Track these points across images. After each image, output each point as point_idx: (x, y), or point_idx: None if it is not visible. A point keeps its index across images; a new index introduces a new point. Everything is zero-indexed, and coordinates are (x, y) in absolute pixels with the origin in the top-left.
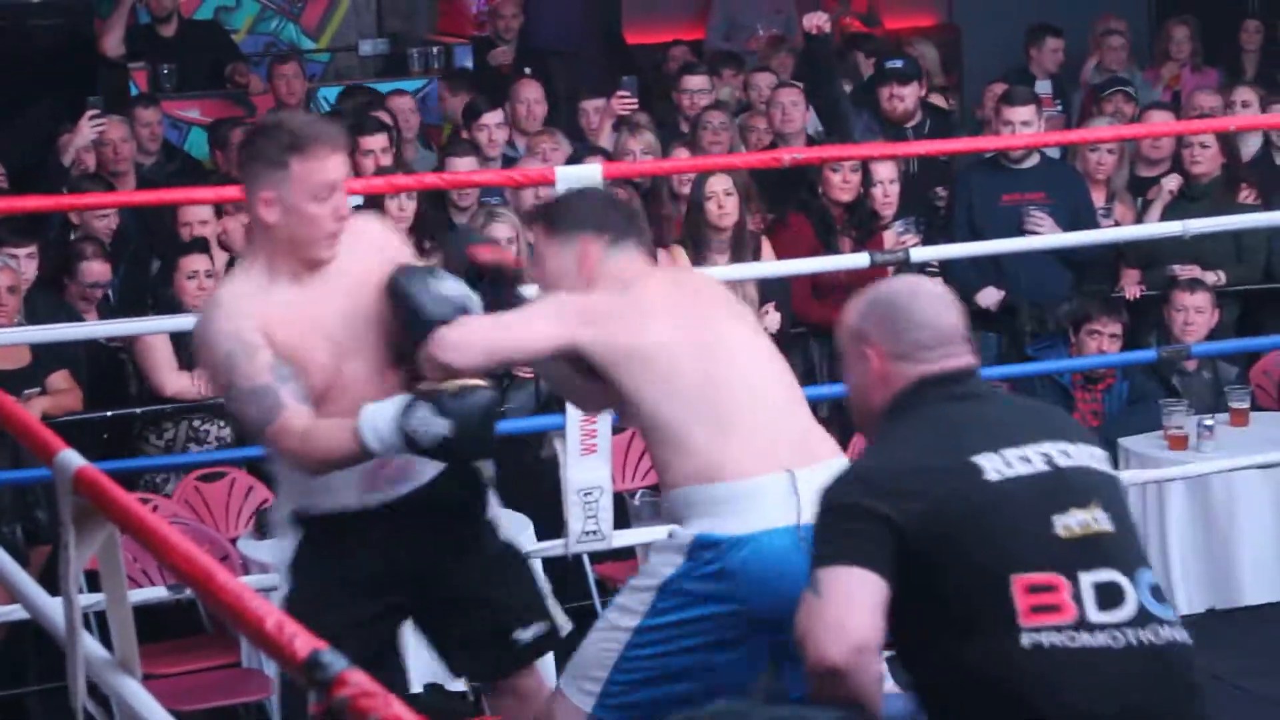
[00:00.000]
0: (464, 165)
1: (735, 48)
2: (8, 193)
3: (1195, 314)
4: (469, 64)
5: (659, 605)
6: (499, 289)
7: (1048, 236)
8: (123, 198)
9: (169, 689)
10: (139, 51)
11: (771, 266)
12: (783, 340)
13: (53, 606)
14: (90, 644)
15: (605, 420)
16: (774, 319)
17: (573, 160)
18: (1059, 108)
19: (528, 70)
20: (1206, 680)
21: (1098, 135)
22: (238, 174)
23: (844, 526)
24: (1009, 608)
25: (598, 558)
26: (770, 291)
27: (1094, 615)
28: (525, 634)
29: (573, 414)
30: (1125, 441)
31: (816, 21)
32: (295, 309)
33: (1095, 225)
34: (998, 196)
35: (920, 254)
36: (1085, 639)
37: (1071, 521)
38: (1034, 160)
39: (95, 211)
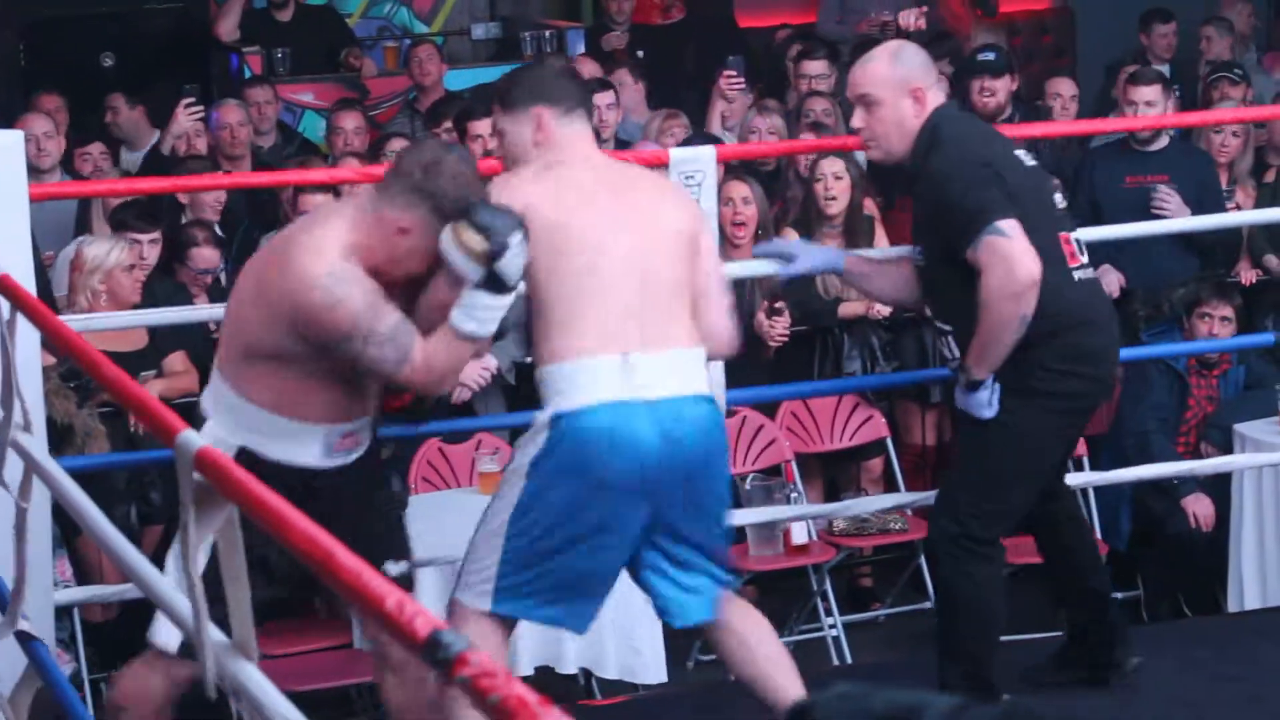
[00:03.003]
0: None
1: (847, 32)
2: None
3: None
4: (581, 48)
5: (529, 486)
6: None
7: (1150, 224)
8: (238, 179)
9: (281, 670)
10: (253, 36)
11: (883, 251)
12: (894, 324)
13: (166, 585)
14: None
15: (718, 401)
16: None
17: (687, 143)
18: (1176, 92)
19: (640, 54)
20: None
21: (1217, 117)
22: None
23: (993, 186)
24: (1061, 255)
25: None
26: None
27: (1080, 259)
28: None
29: None
30: (1241, 427)
31: (911, 20)
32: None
33: (1221, 208)
34: (1122, 178)
35: None
36: (1080, 274)
37: (1057, 198)
38: (1162, 142)
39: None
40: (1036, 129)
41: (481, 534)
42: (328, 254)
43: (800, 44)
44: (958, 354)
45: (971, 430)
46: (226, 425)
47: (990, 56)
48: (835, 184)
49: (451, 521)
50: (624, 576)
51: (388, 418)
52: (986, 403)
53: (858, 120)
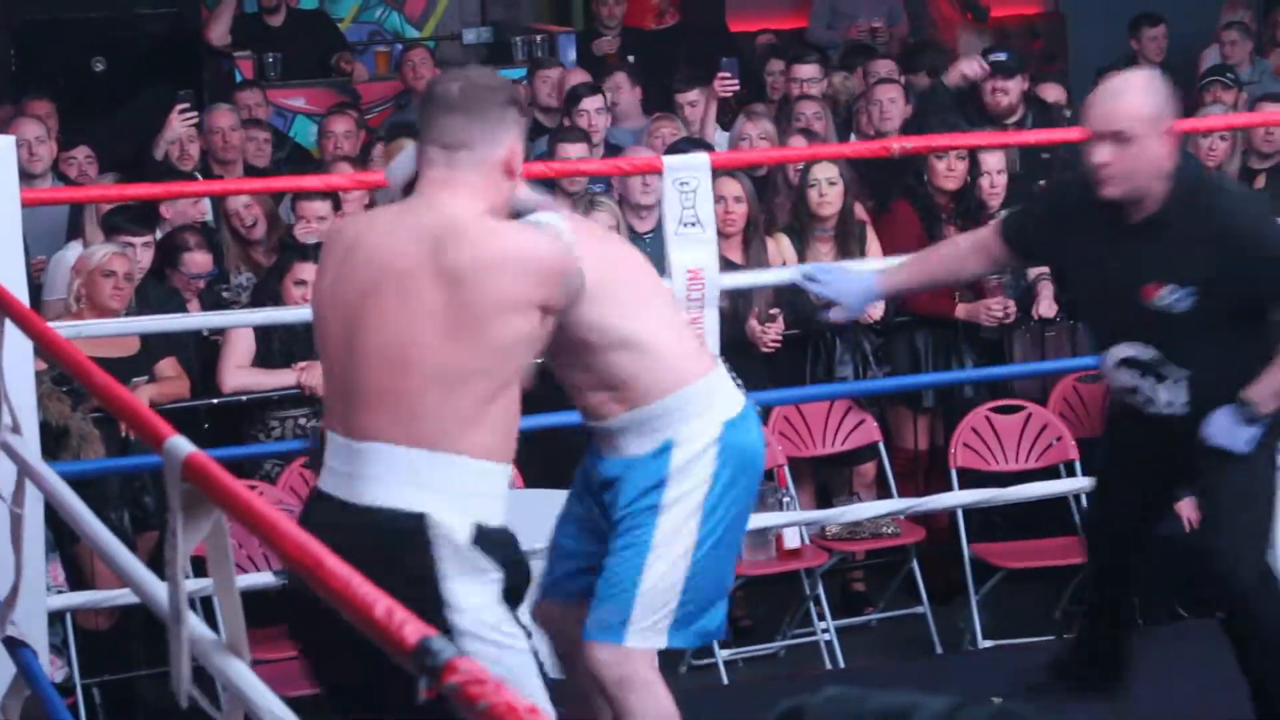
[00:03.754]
0: (573, 151)
1: (837, 37)
2: (121, 180)
3: None
4: (572, 53)
5: (709, 511)
6: None
7: None
8: (230, 185)
9: (271, 674)
10: (244, 40)
11: (877, 259)
12: (886, 328)
13: (161, 591)
14: (198, 626)
15: None
16: (878, 306)
17: (676, 147)
18: None
19: (631, 59)
20: None
21: (1209, 124)
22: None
23: None
24: None
25: None
26: None
27: None
28: None
29: None
30: None
31: (975, 69)
32: None
33: None
34: None
35: None
36: None
37: None
38: None
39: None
40: (1052, 135)
41: (653, 575)
42: (499, 227)
43: (784, 49)
44: (1185, 399)
45: (1235, 467)
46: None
47: (1002, 57)
48: (829, 189)
49: None
50: None
51: None
52: (1256, 438)
53: (1103, 155)
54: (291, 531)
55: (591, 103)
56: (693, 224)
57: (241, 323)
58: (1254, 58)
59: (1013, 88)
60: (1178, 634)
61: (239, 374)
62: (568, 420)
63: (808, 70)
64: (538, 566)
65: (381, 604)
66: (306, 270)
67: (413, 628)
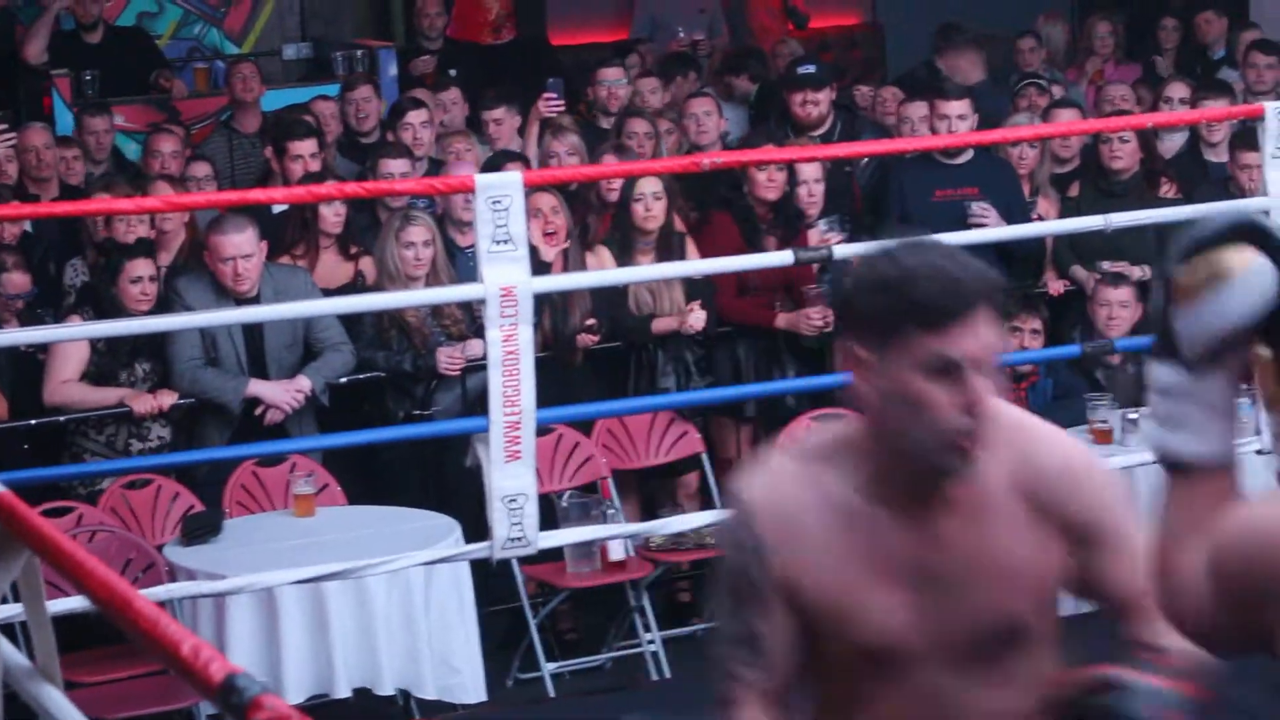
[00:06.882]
0: (395, 166)
1: (658, 49)
2: None
3: (1119, 309)
4: (393, 68)
5: None
6: None
7: (964, 233)
8: (43, 209)
9: (98, 697)
10: (61, 58)
11: (696, 265)
12: (707, 340)
13: None
14: (11, 655)
15: (530, 426)
16: (699, 317)
17: (490, 165)
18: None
19: (453, 72)
20: None
21: (1016, 134)
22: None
23: None
24: None
25: (526, 559)
26: (696, 290)
27: None
28: None
29: (496, 418)
30: None
31: None
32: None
33: (1028, 218)
34: (931, 191)
35: (843, 252)
36: None
37: None
38: (968, 155)
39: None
40: (869, 147)
41: None
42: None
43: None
44: None
45: None
46: None
47: (811, 69)
48: (655, 204)
49: (265, 545)
50: (432, 596)
51: None
52: None
53: None
54: (99, 571)
55: (416, 116)
56: (504, 241)
57: (62, 337)
58: (1049, 63)
59: (822, 98)
60: None
61: (64, 388)
62: (389, 435)
63: (612, 74)
64: None
65: (188, 642)
66: (139, 266)
67: (218, 665)
